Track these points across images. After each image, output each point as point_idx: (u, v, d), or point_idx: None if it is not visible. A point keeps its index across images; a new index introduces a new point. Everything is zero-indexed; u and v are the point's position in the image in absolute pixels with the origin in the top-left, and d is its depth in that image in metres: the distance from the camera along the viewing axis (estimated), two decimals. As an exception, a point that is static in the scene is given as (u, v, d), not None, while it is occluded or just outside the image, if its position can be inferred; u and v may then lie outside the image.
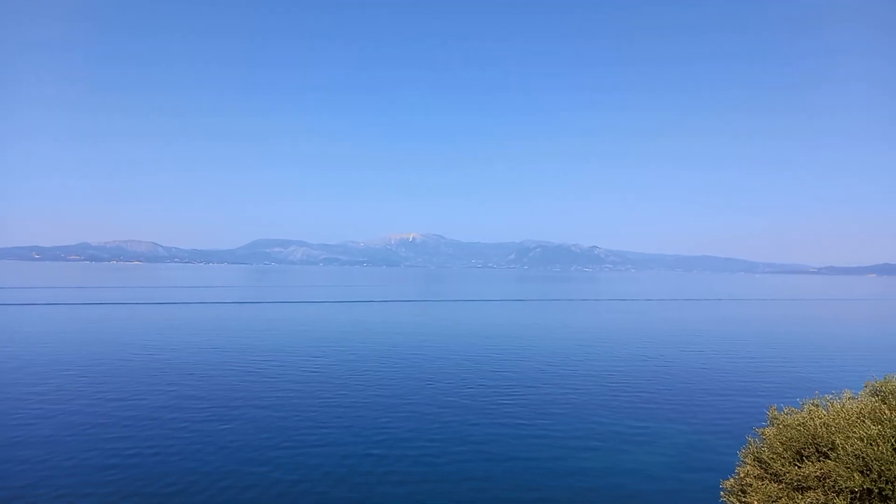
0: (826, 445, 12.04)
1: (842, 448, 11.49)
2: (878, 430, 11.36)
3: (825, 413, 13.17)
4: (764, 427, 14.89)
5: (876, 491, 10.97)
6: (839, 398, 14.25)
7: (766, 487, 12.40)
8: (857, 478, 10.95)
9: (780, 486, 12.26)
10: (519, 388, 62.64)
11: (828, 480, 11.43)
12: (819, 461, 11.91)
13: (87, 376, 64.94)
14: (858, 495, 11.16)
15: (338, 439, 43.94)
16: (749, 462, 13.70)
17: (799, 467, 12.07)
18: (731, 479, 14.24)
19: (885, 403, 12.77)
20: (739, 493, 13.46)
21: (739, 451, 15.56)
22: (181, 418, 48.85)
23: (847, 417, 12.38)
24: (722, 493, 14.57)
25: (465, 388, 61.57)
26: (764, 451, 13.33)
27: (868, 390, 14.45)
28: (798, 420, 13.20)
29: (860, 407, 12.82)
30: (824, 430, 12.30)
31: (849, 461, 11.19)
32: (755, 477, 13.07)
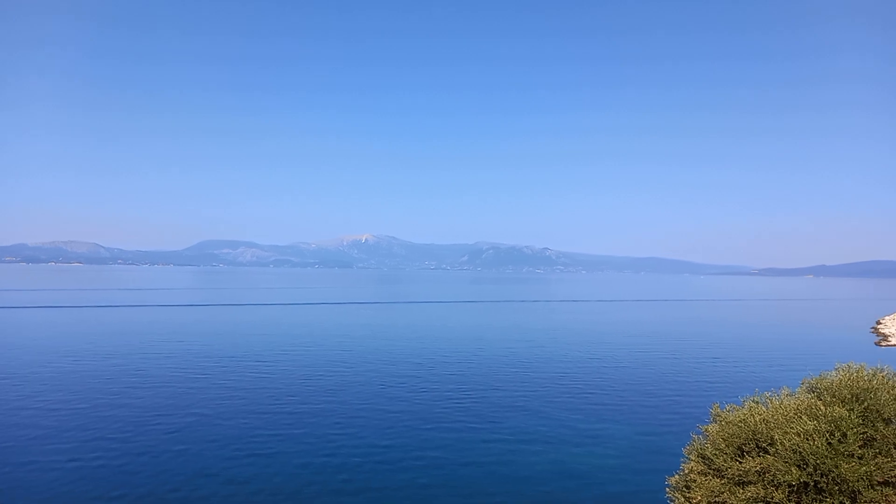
0: (765, 441, 12.46)
1: (780, 443, 11.91)
2: (814, 425, 11.82)
3: (765, 410, 13.63)
4: (707, 424, 15.33)
5: (812, 484, 11.42)
6: (778, 395, 14.78)
7: (709, 483, 12.75)
8: (794, 472, 11.37)
9: (723, 481, 12.63)
10: (472, 391, 62.87)
11: (767, 475, 11.83)
12: (759, 456, 12.31)
13: (24, 384, 62.27)
14: (796, 488, 11.59)
15: (290, 448, 43.11)
16: (693, 458, 14.07)
17: (740, 462, 12.46)
18: (677, 476, 14.59)
19: (821, 400, 13.30)
20: (684, 488, 13.81)
21: (684, 448, 15.99)
22: (120, 429, 47.24)
23: (785, 414, 12.85)
24: (667, 489, 14.92)
25: (418, 393, 61.40)
26: (707, 447, 13.72)
27: (805, 387, 15.03)
28: (739, 417, 13.62)
29: (797, 403, 13.32)
30: (764, 426, 12.73)
31: (787, 456, 11.61)
32: (699, 473, 13.43)
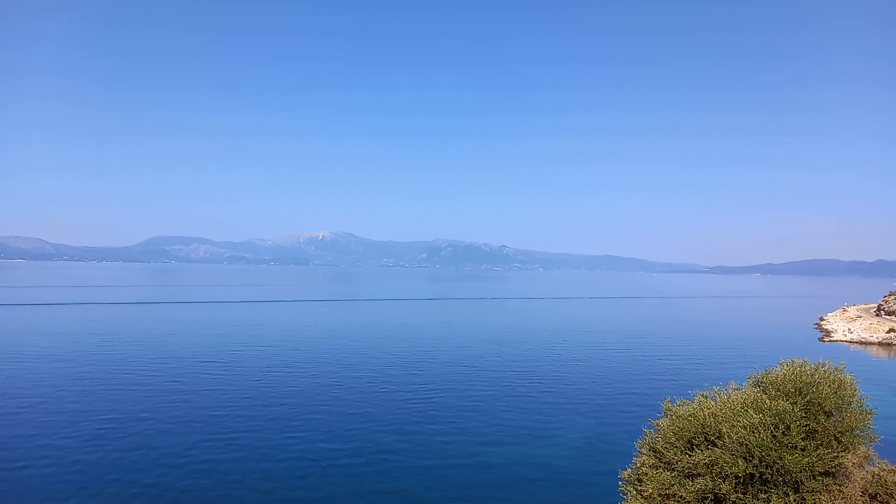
0: (714, 434, 12.83)
1: (728, 436, 12.28)
2: (760, 418, 12.22)
3: (713, 404, 14.02)
4: (659, 419, 15.69)
5: (757, 475, 11.80)
6: (726, 390, 15.23)
7: (660, 476, 13.05)
8: (741, 464, 11.73)
9: (673, 474, 12.94)
10: (428, 391, 62.84)
11: (715, 467, 12.18)
12: (708, 449, 12.67)
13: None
14: (742, 480, 11.97)
15: (235, 455, 41.96)
16: (645, 452, 14.39)
17: (689, 455, 12.79)
18: (629, 469, 14.89)
19: (766, 394, 13.76)
20: (636, 481, 14.10)
21: (636, 442, 16.33)
22: (59, 433, 45.69)
23: (732, 407, 13.25)
24: (620, 482, 15.21)
25: (372, 394, 60.96)
26: (658, 441, 14.04)
27: (751, 382, 15.51)
28: (689, 411, 13.99)
29: (744, 398, 13.75)
30: (712, 419, 13.11)
31: (734, 448, 11.97)
32: (650, 466, 13.74)
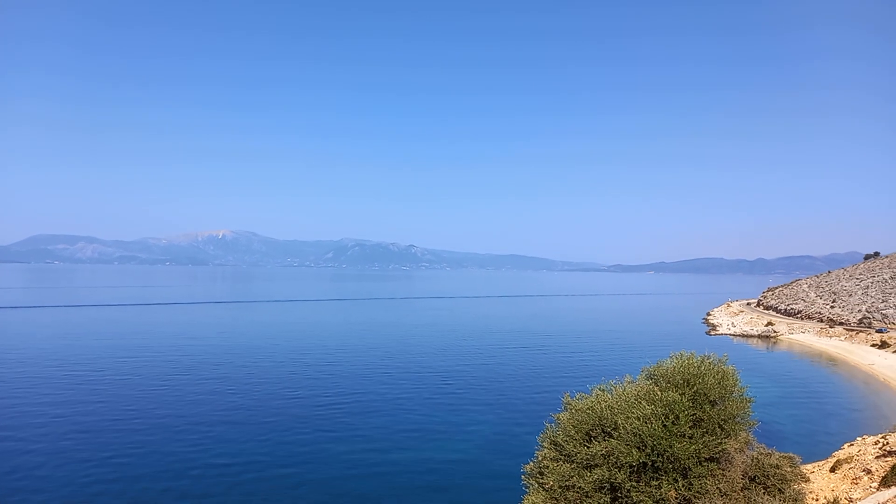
0: (610, 426, 13.36)
1: (623, 427, 12.82)
2: (652, 409, 12.85)
3: (610, 397, 14.61)
4: (559, 413, 16.19)
5: (649, 463, 12.40)
6: (622, 383, 15.91)
7: (560, 468, 13.45)
8: (634, 453, 12.28)
9: (573, 466, 13.37)
10: (333, 390, 61.92)
11: (611, 457, 12.69)
12: (604, 440, 13.17)
13: None
14: (636, 468, 12.53)
15: (129, 465, 39.94)
16: (546, 446, 14.79)
17: (587, 447, 13.26)
18: (531, 463, 15.25)
19: (658, 385, 14.49)
20: (538, 474, 14.47)
21: (538, 436, 16.77)
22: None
23: (627, 399, 13.86)
24: (523, 476, 15.56)
25: (273, 396, 59.40)
26: (559, 434, 14.47)
27: (644, 375, 16.29)
28: (587, 404, 14.51)
29: (638, 390, 14.42)
30: (609, 412, 13.65)
31: (628, 439, 12.51)
32: (551, 459, 14.13)
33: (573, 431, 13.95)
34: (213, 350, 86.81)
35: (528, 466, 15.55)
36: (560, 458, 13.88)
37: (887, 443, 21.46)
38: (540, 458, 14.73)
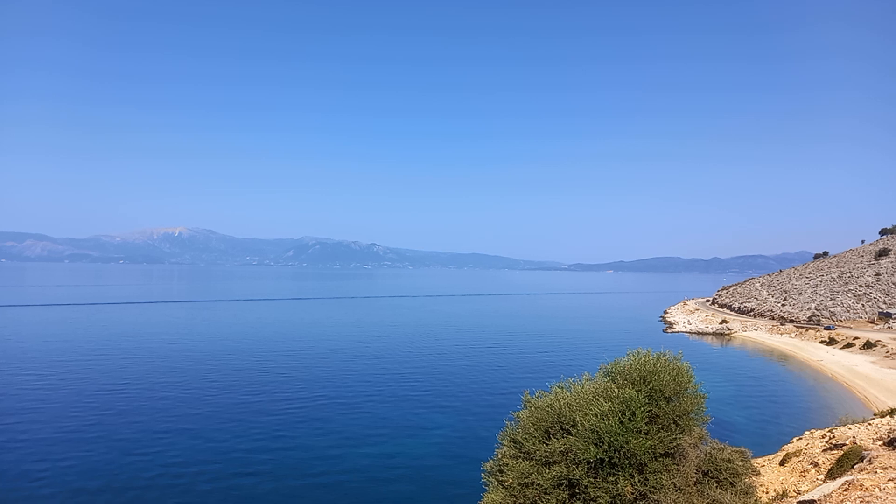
0: (569, 423, 13.49)
1: (581, 424, 12.96)
2: (609, 406, 13.02)
3: (569, 394, 14.75)
4: (519, 410, 16.28)
5: (607, 460, 12.57)
6: (580, 381, 16.09)
7: (519, 465, 13.52)
8: (592, 449, 12.43)
9: (532, 463, 13.45)
10: (294, 389, 61.27)
11: (569, 454, 12.82)
12: (563, 437, 13.30)
13: None
14: (593, 465, 12.69)
15: (68, 471, 38.80)
16: (506, 443, 14.85)
17: (546, 444, 13.36)
18: (491, 461, 15.30)
19: (615, 383, 14.69)
20: (498, 472, 14.52)
21: (499, 434, 16.85)
22: None
23: (585, 397, 14.01)
24: (483, 474, 15.60)
25: (238, 399, 58.50)
26: (518, 432, 14.54)
27: (602, 372, 16.50)
28: (546, 402, 14.61)
29: (596, 387, 14.59)
30: (567, 409, 13.78)
31: (586, 435, 12.66)
32: (511, 456, 14.20)
33: (532, 429, 14.05)
34: (167, 351, 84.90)
35: (487, 465, 15.59)
36: (519, 456, 13.96)
37: (833, 436, 22.24)
38: (500, 456, 14.78)
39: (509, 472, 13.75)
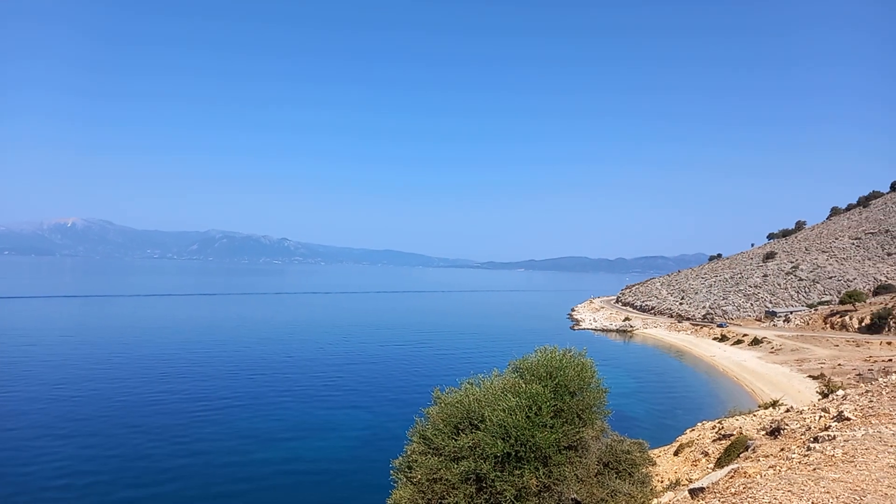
0: (478, 418, 13.68)
1: (489, 419, 13.17)
2: (516, 401, 13.31)
3: (478, 390, 14.95)
4: (429, 407, 16.34)
5: (513, 453, 12.83)
6: (489, 376, 16.34)
7: (428, 461, 13.57)
8: (499, 444, 12.65)
9: (441, 459, 13.54)
10: (200, 388, 58.96)
11: (478, 449, 12.99)
12: (472, 433, 13.47)
13: None
14: (500, 459, 12.92)
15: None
16: (415, 440, 14.86)
17: (455, 440, 13.49)
18: (400, 458, 15.28)
19: (523, 378, 15.02)
20: (406, 468, 14.51)
21: (408, 430, 16.84)
22: None
23: (494, 392, 14.25)
24: (392, 471, 15.55)
25: (138, 402, 55.60)
26: (428, 428, 14.59)
27: (511, 368, 16.84)
28: (456, 398, 14.75)
29: (504, 383, 14.87)
30: (476, 405, 13.97)
31: (494, 430, 12.88)
32: (420, 453, 14.23)
33: (442, 425, 14.14)
34: (52, 351, 79.53)
35: (396, 461, 15.56)
36: (428, 452, 14.02)
37: (723, 427, 23.71)
38: (409, 453, 14.78)
39: (418, 469, 13.78)
